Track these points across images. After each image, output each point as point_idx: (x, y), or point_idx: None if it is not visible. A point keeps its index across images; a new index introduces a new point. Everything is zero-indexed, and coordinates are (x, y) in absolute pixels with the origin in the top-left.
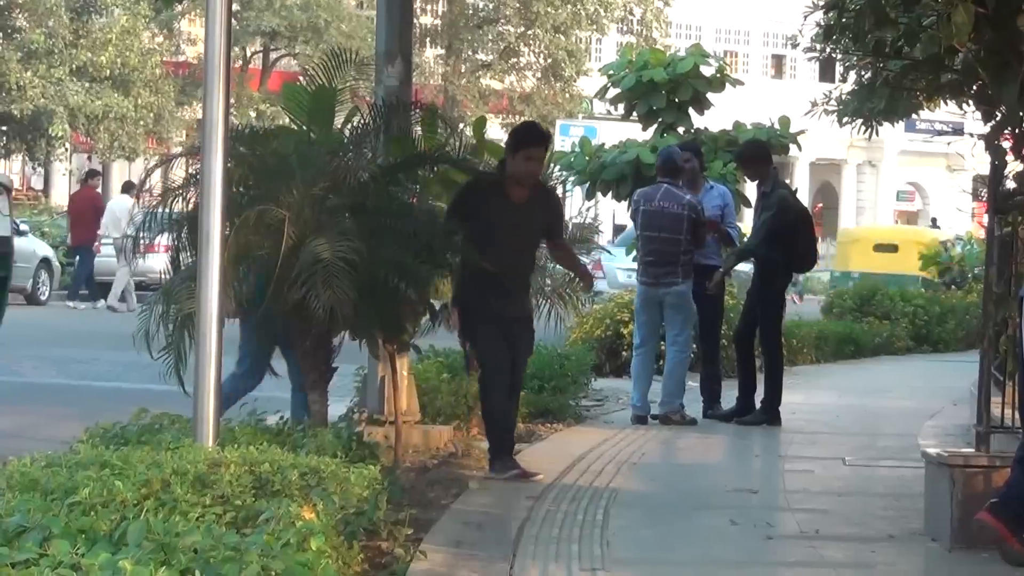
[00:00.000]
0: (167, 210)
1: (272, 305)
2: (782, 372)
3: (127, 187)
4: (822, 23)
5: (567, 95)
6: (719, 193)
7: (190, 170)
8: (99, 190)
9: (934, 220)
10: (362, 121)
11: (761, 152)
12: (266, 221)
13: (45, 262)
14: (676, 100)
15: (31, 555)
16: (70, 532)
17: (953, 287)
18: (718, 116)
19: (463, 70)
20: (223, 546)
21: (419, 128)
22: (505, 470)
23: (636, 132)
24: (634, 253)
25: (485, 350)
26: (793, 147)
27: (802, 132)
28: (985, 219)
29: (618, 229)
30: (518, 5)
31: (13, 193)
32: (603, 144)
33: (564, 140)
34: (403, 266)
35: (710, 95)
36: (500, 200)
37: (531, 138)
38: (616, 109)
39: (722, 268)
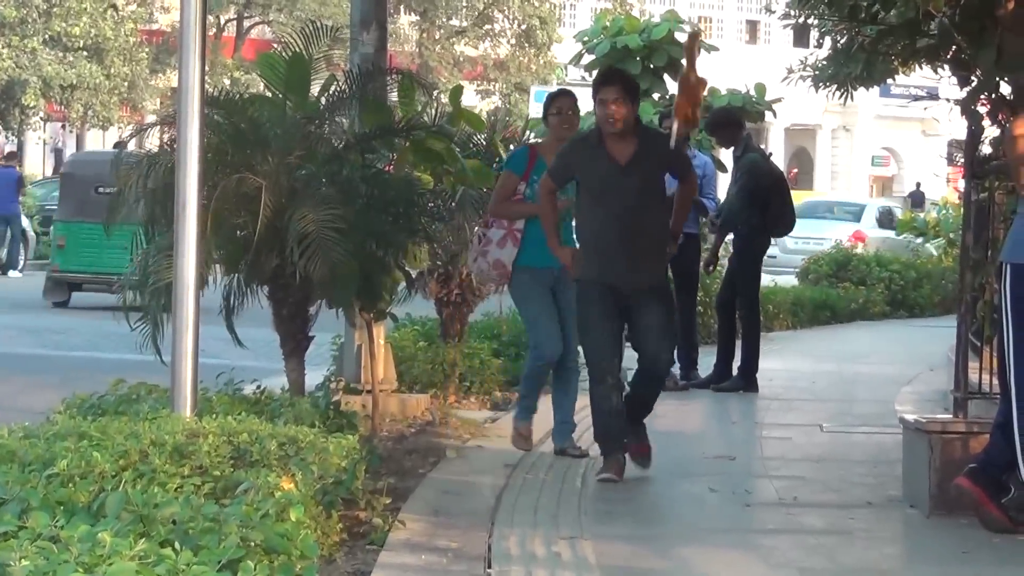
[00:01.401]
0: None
1: (254, 272)
2: (759, 338)
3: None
4: None
5: (541, 62)
6: (699, 163)
7: (165, 138)
8: None
9: (918, 185)
10: (338, 89)
11: (729, 118)
12: (242, 190)
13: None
14: (651, 66)
15: (10, 527)
16: (48, 504)
17: None
18: None
19: (437, 36)
20: (202, 517)
21: (395, 96)
22: (604, 469)
23: None
24: None
25: (583, 335)
26: (768, 113)
27: (779, 100)
28: (961, 184)
29: None
30: None
31: None
32: None
33: (539, 107)
34: (381, 234)
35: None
36: (601, 159)
37: (599, 80)
38: (590, 76)
39: (708, 252)
